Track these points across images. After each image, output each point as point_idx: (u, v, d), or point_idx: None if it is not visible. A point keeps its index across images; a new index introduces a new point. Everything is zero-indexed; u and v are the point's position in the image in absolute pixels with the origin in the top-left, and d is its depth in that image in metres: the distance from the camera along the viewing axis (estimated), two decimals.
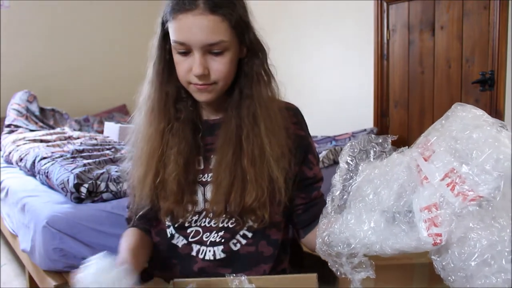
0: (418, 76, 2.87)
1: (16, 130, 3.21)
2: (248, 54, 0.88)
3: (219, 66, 0.82)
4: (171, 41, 0.83)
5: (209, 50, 0.81)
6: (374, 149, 0.69)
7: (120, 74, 4.29)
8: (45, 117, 3.57)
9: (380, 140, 0.69)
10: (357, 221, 0.65)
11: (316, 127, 3.20)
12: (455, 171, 0.57)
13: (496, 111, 2.37)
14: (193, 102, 0.92)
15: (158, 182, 0.89)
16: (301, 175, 0.94)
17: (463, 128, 0.59)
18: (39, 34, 3.91)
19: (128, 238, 0.92)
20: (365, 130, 2.97)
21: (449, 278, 0.61)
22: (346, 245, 0.67)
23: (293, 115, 0.95)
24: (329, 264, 0.73)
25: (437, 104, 2.81)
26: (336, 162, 2.43)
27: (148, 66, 0.91)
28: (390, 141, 0.70)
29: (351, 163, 0.71)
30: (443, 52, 2.69)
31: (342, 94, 3.30)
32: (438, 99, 2.79)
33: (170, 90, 0.89)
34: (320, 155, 2.39)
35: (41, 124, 3.40)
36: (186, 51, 0.82)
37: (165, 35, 0.86)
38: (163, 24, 0.85)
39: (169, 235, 0.95)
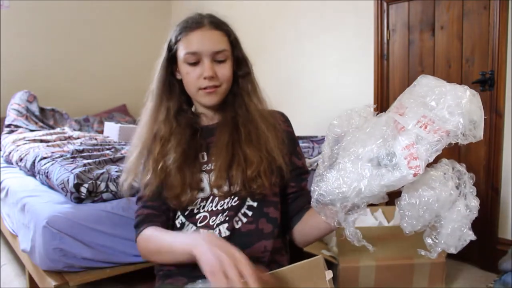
0: (418, 76, 2.86)
1: (16, 130, 3.21)
2: (237, 68, 1.07)
3: (224, 71, 1.03)
4: (183, 54, 1.01)
5: (215, 57, 1.02)
6: (358, 117, 0.81)
7: (120, 74, 4.29)
8: (45, 117, 3.57)
9: (362, 110, 0.81)
10: (347, 171, 0.75)
11: (316, 127, 3.20)
12: (426, 116, 0.71)
13: (496, 111, 2.37)
14: (192, 112, 1.10)
15: (161, 169, 1.01)
16: (292, 165, 1.07)
17: (428, 89, 0.74)
18: (39, 34, 3.91)
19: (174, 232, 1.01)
20: None
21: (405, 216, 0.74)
22: (339, 192, 0.75)
23: (281, 116, 1.12)
24: (323, 216, 0.84)
25: None
26: None
27: (152, 86, 1.08)
28: (372, 109, 0.81)
29: (338, 132, 0.81)
30: (443, 52, 2.69)
31: (342, 94, 3.30)
32: None
33: (172, 104, 1.06)
34: (320, 155, 2.39)
35: (41, 124, 3.40)
36: (196, 62, 1.01)
37: (170, 58, 1.05)
38: (170, 48, 1.04)
39: (178, 225, 1.03)
